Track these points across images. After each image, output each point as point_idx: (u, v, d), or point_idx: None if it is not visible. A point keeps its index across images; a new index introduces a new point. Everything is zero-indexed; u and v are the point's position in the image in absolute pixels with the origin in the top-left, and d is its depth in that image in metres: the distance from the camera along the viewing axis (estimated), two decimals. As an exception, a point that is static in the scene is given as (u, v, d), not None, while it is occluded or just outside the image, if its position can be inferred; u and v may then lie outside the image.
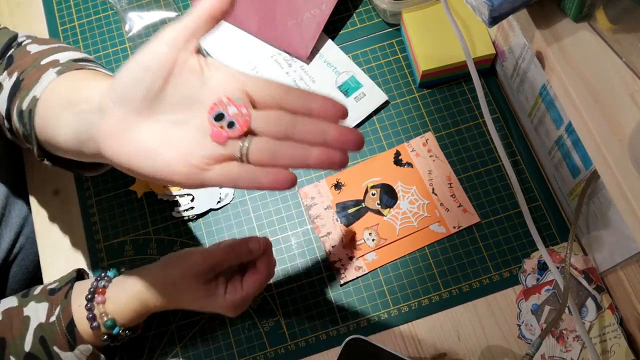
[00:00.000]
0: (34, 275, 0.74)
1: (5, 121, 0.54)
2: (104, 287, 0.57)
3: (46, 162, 0.53)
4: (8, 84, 0.53)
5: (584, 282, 0.63)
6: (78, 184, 0.72)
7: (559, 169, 0.65)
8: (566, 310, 0.62)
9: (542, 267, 0.64)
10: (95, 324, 0.55)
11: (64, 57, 0.54)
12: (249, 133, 0.42)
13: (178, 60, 0.42)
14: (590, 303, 0.62)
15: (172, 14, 0.80)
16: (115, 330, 0.56)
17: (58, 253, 0.69)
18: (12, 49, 0.57)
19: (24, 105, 0.50)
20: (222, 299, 0.56)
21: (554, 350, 0.61)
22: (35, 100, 0.49)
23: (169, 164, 0.41)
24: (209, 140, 0.42)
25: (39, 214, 0.71)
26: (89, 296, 0.56)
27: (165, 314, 0.65)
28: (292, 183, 0.41)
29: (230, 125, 0.41)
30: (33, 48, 0.56)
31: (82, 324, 0.55)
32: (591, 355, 0.57)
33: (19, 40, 0.58)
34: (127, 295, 0.56)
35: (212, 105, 0.42)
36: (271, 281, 0.66)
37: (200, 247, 0.59)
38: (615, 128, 0.45)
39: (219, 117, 0.41)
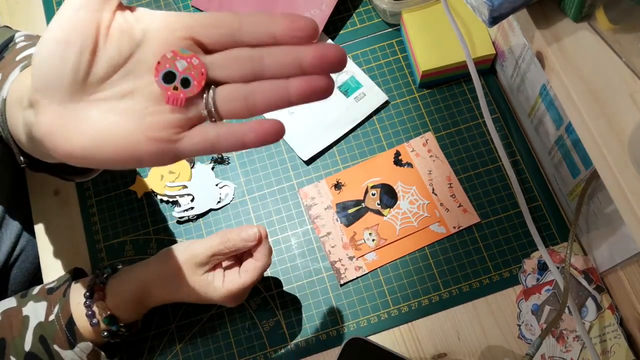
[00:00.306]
0: (34, 277, 0.74)
1: None
2: (102, 283, 0.57)
3: (27, 168, 0.47)
4: None
5: (584, 282, 0.63)
6: (78, 184, 0.72)
7: (559, 169, 0.65)
8: (566, 311, 0.62)
9: (542, 267, 0.64)
10: (94, 320, 0.55)
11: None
12: (211, 85, 0.35)
13: (100, 24, 0.34)
14: (590, 303, 0.62)
15: (172, 14, 0.79)
16: (115, 327, 0.56)
17: (58, 253, 0.69)
18: (9, 49, 0.56)
19: None
20: (221, 289, 0.57)
21: (554, 350, 0.61)
22: (4, 102, 0.43)
23: (131, 145, 0.35)
24: (166, 106, 0.35)
25: (39, 215, 0.71)
26: (87, 293, 0.56)
27: (165, 313, 0.65)
28: (280, 132, 0.34)
29: (185, 83, 0.34)
30: (21, 45, 0.55)
31: (82, 321, 0.55)
32: (591, 356, 0.57)
33: (16, 40, 0.58)
34: (125, 291, 0.57)
35: (155, 65, 0.34)
36: (271, 281, 0.66)
37: (197, 239, 0.59)
38: (615, 128, 0.45)
39: (169, 77, 0.34)
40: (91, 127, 0.35)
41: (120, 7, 0.36)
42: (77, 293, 0.57)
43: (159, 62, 0.34)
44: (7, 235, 0.70)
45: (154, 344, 0.64)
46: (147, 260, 0.59)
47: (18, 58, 0.49)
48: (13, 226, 0.71)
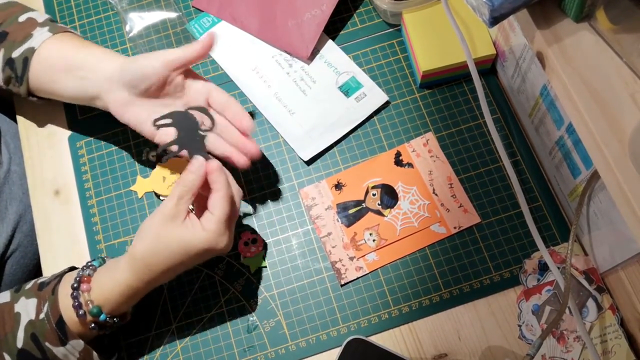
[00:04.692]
0: (35, 275, 0.74)
1: None
2: (89, 275, 0.57)
3: (32, 98, 0.68)
4: None
5: (585, 283, 0.63)
6: (79, 184, 0.72)
7: (560, 169, 0.65)
8: (567, 311, 0.62)
9: (543, 268, 0.64)
10: (81, 312, 0.55)
11: (36, 15, 0.68)
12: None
13: (169, 78, 0.62)
14: (590, 303, 0.62)
15: (173, 15, 0.80)
16: (102, 317, 0.56)
17: (58, 253, 0.69)
18: None
19: (15, 54, 0.64)
20: (201, 232, 0.55)
21: (555, 350, 0.61)
22: (32, 50, 0.64)
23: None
24: None
25: (39, 214, 0.71)
26: (75, 285, 0.56)
27: (166, 314, 0.65)
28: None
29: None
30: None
31: (70, 313, 0.55)
32: (592, 356, 0.57)
33: None
34: (111, 279, 0.56)
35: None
36: (272, 281, 0.66)
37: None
38: (615, 128, 0.45)
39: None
40: (138, 112, 0.63)
41: (183, 73, 0.63)
42: (66, 286, 0.57)
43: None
44: (4, 228, 0.70)
45: (154, 344, 0.64)
46: (130, 247, 0.58)
47: (21, 19, 0.67)
48: (10, 219, 0.71)
